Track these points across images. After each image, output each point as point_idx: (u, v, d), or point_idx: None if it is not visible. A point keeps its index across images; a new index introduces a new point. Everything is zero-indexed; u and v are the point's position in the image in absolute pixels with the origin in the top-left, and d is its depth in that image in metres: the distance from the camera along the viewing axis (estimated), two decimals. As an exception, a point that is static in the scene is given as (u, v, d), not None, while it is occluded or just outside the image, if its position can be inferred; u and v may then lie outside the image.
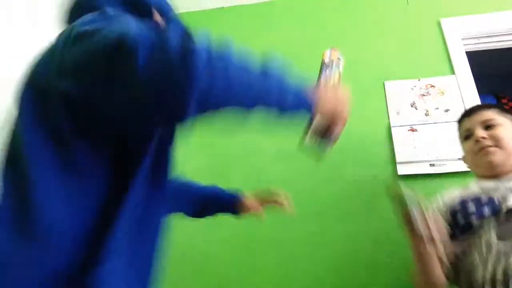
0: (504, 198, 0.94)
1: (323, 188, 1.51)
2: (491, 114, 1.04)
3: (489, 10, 1.82)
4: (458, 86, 1.63)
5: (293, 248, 1.41)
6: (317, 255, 1.38)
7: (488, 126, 1.02)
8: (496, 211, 0.94)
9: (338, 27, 1.98)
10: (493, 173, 1.01)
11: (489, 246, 0.90)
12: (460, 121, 1.14)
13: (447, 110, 1.58)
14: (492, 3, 1.84)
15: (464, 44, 1.77)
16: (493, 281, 0.84)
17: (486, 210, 0.96)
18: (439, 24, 1.84)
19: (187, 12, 2.31)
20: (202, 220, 1.54)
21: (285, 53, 2.03)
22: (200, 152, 1.73)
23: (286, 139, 1.68)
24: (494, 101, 2.49)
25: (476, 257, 0.90)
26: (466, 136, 1.07)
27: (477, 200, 1.00)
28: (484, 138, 1.00)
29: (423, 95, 1.64)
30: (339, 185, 1.50)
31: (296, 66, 1.96)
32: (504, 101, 2.50)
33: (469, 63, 1.70)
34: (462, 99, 1.59)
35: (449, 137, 1.50)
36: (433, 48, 1.78)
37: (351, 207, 1.45)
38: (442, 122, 1.55)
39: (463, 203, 1.03)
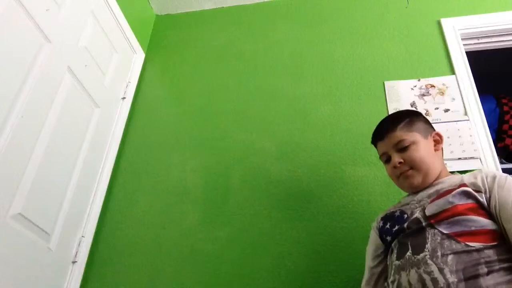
0: (412, 212, 0.96)
1: (323, 188, 1.51)
2: (400, 135, 1.03)
3: (489, 10, 1.82)
4: (458, 86, 1.63)
5: (292, 248, 1.41)
6: (317, 254, 1.38)
7: (401, 149, 1.02)
8: (402, 227, 0.95)
9: (338, 27, 1.98)
10: (416, 191, 1.02)
11: (392, 266, 0.93)
12: (374, 143, 1.14)
13: (447, 110, 1.58)
14: (492, 3, 1.84)
15: (464, 44, 1.77)
16: None
17: (396, 227, 0.97)
18: (439, 24, 1.85)
19: (187, 12, 2.31)
20: (201, 220, 1.55)
21: (285, 53, 2.06)
22: (200, 152, 1.73)
23: (286, 139, 1.69)
24: (494, 101, 2.48)
25: (389, 278, 0.93)
26: (386, 160, 1.08)
27: (391, 217, 1.03)
28: (400, 163, 1.01)
29: (423, 95, 1.64)
30: (339, 185, 1.50)
31: (296, 66, 1.97)
32: (504, 101, 2.50)
33: (469, 63, 1.70)
34: (462, 99, 1.59)
35: (449, 137, 1.50)
36: (433, 48, 1.78)
37: (350, 207, 1.45)
38: (442, 122, 1.54)
39: (384, 220, 1.06)
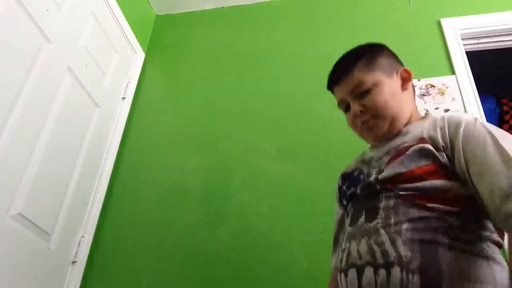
0: (369, 173, 0.81)
1: (323, 188, 1.51)
2: (358, 76, 0.85)
3: (489, 10, 1.82)
4: (458, 86, 1.63)
5: (292, 248, 1.41)
6: (316, 254, 1.38)
7: (361, 93, 0.84)
8: (355, 191, 0.82)
9: (338, 27, 1.98)
10: (380, 141, 0.86)
11: (345, 232, 0.81)
12: (330, 88, 0.97)
13: (447, 110, 1.58)
14: (492, 3, 1.84)
15: (464, 44, 1.77)
16: (342, 271, 0.75)
17: (351, 190, 0.84)
18: (439, 24, 1.84)
19: (187, 12, 2.31)
20: (201, 220, 1.55)
21: (285, 53, 2.06)
22: (200, 152, 1.73)
23: (286, 139, 1.69)
24: (494, 101, 2.48)
25: (341, 245, 0.81)
26: (345, 108, 0.91)
27: (349, 176, 0.88)
28: (361, 112, 0.84)
29: (423, 95, 1.64)
30: (339, 185, 1.50)
31: (296, 66, 1.96)
32: (504, 101, 2.50)
33: (469, 63, 1.70)
34: (462, 99, 1.59)
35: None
36: (433, 48, 1.78)
37: (351, 207, 1.45)
38: (442, 122, 1.54)
39: (342, 179, 0.92)
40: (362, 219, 0.75)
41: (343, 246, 0.78)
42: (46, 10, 1.38)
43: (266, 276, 1.38)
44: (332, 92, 0.96)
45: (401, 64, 0.92)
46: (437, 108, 1.59)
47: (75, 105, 1.54)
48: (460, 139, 0.70)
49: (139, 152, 1.80)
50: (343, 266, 0.75)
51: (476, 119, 0.73)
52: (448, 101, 1.60)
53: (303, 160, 1.60)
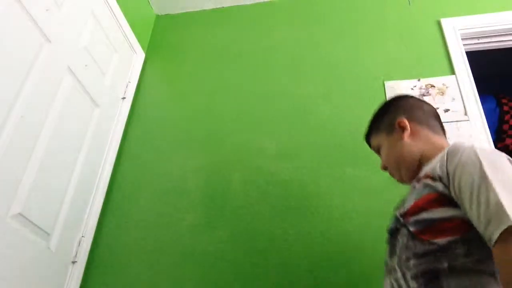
0: (399, 209, 0.87)
1: (323, 188, 1.51)
2: (371, 142, 1.03)
3: (489, 10, 1.82)
4: (458, 86, 1.63)
5: (292, 247, 1.41)
6: (317, 254, 1.38)
7: (380, 153, 1.00)
8: (389, 227, 0.88)
9: (338, 27, 1.98)
10: (410, 182, 0.92)
11: (385, 264, 0.85)
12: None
13: (447, 110, 1.58)
14: (492, 3, 1.84)
15: (464, 44, 1.77)
16: None
17: (389, 225, 0.89)
18: (439, 24, 1.85)
19: (187, 12, 2.31)
20: (201, 220, 1.55)
21: (285, 53, 2.06)
22: (200, 152, 1.73)
23: (286, 139, 1.69)
24: (494, 101, 2.48)
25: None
26: None
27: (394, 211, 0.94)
28: (384, 168, 0.99)
29: (423, 95, 1.64)
30: (339, 185, 1.50)
31: (296, 66, 1.97)
32: (504, 101, 2.50)
33: (469, 63, 1.70)
34: (462, 99, 1.59)
35: (449, 137, 1.50)
36: (433, 48, 1.78)
37: (351, 207, 1.45)
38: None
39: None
40: (387, 256, 0.83)
41: (385, 280, 0.84)
42: (46, 10, 1.38)
43: (266, 276, 1.37)
44: None
45: (400, 114, 0.97)
46: (437, 108, 1.59)
47: (75, 105, 1.54)
48: (454, 169, 0.72)
49: (139, 152, 1.80)
50: None
51: (472, 146, 0.74)
52: (448, 101, 1.60)
53: (303, 160, 1.60)
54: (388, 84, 1.71)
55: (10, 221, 1.18)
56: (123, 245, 1.55)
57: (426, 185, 0.76)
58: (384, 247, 0.87)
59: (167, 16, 2.34)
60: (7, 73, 1.19)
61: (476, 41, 1.82)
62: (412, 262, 0.72)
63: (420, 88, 1.66)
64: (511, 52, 2.04)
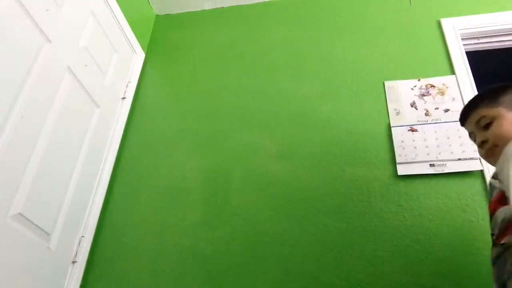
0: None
1: (323, 188, 1.51)
2: (481, 112, 0.95)
3: (489, 10, 1.82)
4: (458, 86, 1.63)
5: (292, 248, 1.41)
6: (316, 254, 1.38)
7: (484, 126, 0.93)
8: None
9: (338, 27, 1.98)
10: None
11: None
12: (462, 125, 1.07)
13: (447, 110, 1.58)
14: (492, 3, 1.84)
15: (464, 44, 1.77)
16: None
17: (495, 229, 0.84)
18: (439, 24, 1.85)
19: (187, 12, 2.31)
20: (201, 220, 1.55)
21: (285, 53, 2.06)
22: (200, 152, 1.73)
23: (286, 139, 1.69)
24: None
25: None
26: (474, 140, 1.00)
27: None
28: (483, 142, 0.92)
29: (423, 95, 1.64)
30: (338, 185, 1.50)
31: (296, 66, 1.97)
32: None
33: (469, 63, 1.70)
34: (462, 99, 1.59)
35: (449, 137, 1.50)
36: (433, 48, 1.78)
37: (350, 207, 1.45)
38: (442, 122, 1.55)
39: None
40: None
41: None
42: (46, 10, 1.38)
43: (266, 276, 1.38)
44: (464, 127, 1.05)
45: None
46: (437, 108, 1.59)
47: (75, 105, 1.54)
48: (500, 163, 0.74)
49: (139, 152, 1.80)
50: None
51: None
52: (448, 101, 1.60)
53: (303, 160, 1.60)
54: (388, 84, 1.71)
55: (10, 221, 1.18)
56: (123, 245, 1.55)
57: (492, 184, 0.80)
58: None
59: (167, 16, 2.34)
60: (7, 73, 1.19)
61: (476, 41, 1.83)
62: (494, 267, 0.77)
63: (420, 88, 1.66)
64: (511, 52, 2.04)
